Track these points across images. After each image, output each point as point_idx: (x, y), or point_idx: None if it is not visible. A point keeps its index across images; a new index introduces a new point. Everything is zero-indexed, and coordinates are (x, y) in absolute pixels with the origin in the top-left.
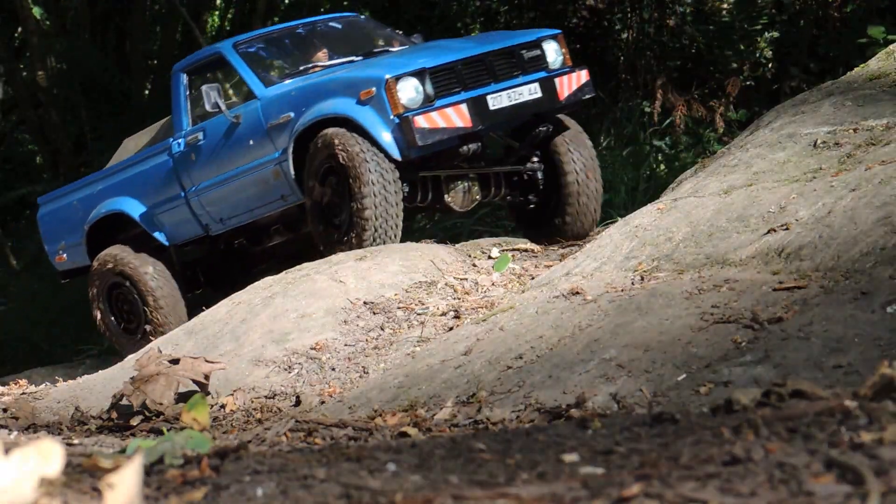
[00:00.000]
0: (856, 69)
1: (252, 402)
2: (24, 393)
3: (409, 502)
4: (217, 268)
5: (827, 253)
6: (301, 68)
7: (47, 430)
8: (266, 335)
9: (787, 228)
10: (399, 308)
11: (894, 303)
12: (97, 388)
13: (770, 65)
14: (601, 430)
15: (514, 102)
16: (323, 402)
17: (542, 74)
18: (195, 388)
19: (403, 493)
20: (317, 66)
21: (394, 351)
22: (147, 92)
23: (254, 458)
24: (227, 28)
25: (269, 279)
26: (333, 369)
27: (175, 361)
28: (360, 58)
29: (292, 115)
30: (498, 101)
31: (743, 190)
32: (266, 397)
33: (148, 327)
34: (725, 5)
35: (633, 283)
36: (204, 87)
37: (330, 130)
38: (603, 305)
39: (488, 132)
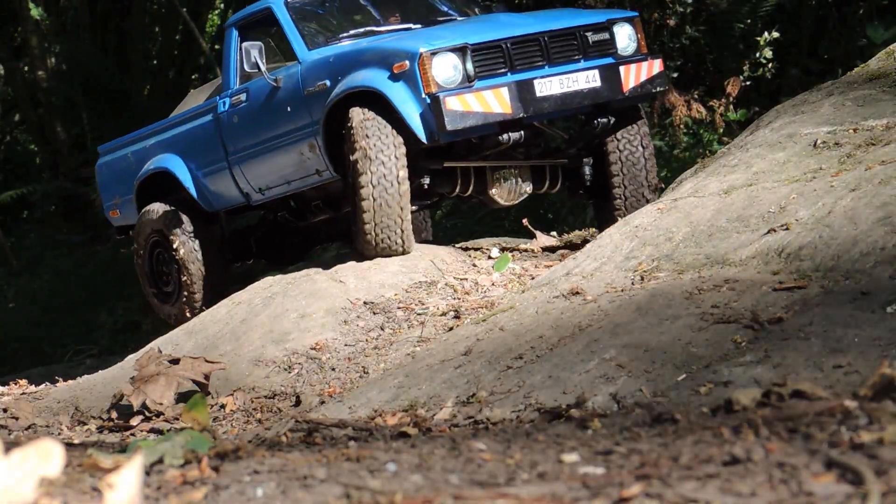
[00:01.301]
0: (856, 69)
1: (252, 402)
2: (24, 393)
3: (409, 502)
4: (273, 239)
5: (827, 253)
6: (352, 32)
7: (47, 430)
8: (266, 335)
9: (787, 228)
10: (399, 308)
11: (894, 303)
12: (97, 388)
13: (770, 65)
14: (601, 430)
15: (565, 90)
16: (323, 402)
17: (608, 61)
18: (195, 388)
19: (403, 493)
20: (373, 31)
21: (394, 351)
22: (147, 92)
23: (254, 458)
24: None
25: (269, 279)
26: (333, 369)
27: (175, 361)
28: (418, 26)
29: (328, 83)
30: (547, 87)
31: (743, 190)
32: (266, 397)
33: (183, 297)
34: (725, 5)
35: (633, 283)
36: (245, 45)
37: (354, 112)
38: (603, 305)
39: (534, 121)
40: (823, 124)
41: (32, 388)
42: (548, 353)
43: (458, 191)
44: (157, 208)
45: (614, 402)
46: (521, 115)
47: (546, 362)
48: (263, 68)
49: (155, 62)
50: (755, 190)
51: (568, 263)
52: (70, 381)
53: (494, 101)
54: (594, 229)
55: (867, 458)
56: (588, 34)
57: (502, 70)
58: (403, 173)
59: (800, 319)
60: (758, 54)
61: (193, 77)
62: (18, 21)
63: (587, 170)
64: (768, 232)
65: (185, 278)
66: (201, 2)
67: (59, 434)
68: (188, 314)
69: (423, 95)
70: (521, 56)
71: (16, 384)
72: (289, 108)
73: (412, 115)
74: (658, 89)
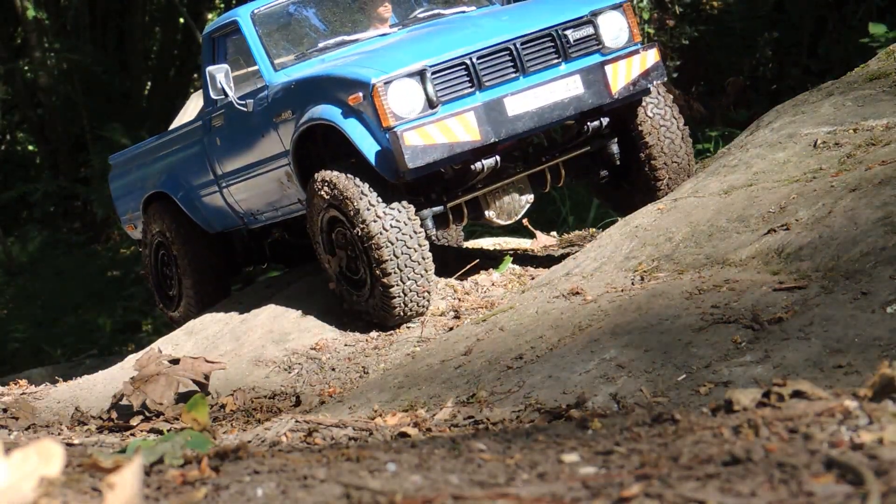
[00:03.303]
0: (856, 69)
1: (252, 402)
2: (24, 393)
3: (409, 502)
4: (288, 244)
5: (827, 253)
6: (321, 45)
7: (47, 430)
8: (266, 335)
9: (787, 228)
10: None
11: (894, 303)
12: (97, 388)
13: (770, 65)
14: (601, 430)
15: (542, 104)
16: (323, 402)
17: (594, 59)
18: (195, 388)
19: (403, 493)
20: (344, 41)
21: (394, 351)
22: (147, 92)
23: (254, 458)
24: None
25: (268, 279)
26: (333, 369)
27: (175, 361)
28: (396, 29)
29: (291, 112)
30: (520, 104)
31: (743, 190)
32: (266, 397)
33: (184, 303)
34: (725, 6)
35: (633, 283)
36: (209, 70)
37: (326, 174)
38: (603, 305)
39: (508, 142)
40: (823, 124)
41: (32, 388)
42: (548, 353)
43: (451, 225)
44: (160, 209)
45: (614, 402)
46: (493, 139)
47: (546, 362)
48: (231, 94)
49: (155, 62)
50: (755, 190)
51: (568, 263)
52: (70, 381)
53: (460, 128)
54: (594, 229)
55: (867, 458)
56: (568, 32)
57: (469, 90)
58: (418, 226)
59: (800, 319)
60: (758, 54)
61: (193, 77)
62: (18, 21)
63: (615, 148)
64: (768, 232)
65: (185, 285)
66: (201, 2)
67: (59, 434)
68: (190, 319)
69: (382, 130)
70: (489, 71)
71: (16, 384)
72: (262, 135)
73: (372, 152)
74: (656, 82)
